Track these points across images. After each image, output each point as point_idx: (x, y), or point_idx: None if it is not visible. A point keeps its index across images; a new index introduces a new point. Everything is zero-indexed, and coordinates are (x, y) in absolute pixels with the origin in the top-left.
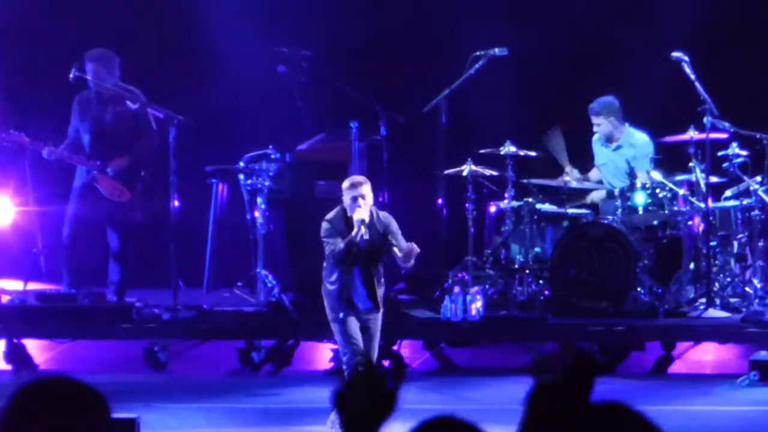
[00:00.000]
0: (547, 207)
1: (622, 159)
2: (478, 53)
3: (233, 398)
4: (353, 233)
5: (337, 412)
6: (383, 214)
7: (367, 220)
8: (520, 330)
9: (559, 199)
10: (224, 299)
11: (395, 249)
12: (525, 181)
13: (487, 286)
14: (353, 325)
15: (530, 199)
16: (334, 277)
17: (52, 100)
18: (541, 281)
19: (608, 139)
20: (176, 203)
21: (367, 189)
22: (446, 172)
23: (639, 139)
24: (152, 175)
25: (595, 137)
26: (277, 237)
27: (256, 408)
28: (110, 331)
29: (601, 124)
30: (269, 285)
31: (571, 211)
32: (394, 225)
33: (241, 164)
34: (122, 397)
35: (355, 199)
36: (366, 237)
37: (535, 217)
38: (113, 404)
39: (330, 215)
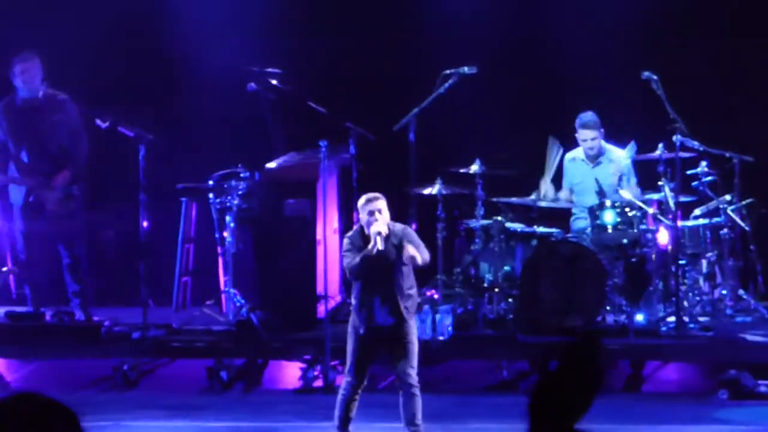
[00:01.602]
0: (516, 225)
1: (604, 175)
2: (447, 71)
3: (202, 417)
4: (369, 246)
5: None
6: (400, 226)
7: (384, 232)
8: (489, 348)
9: (529, 217)
10: (193, 318)
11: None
12: (494, 199)
13: (456, 305)
14: (365, 357)
15: (499, 218)
16: (355, 292)
17: None
18: (510, 300)
19: (593, 156)
20: (145, 222)
21: (382, 204)
22: (416, 190)
23: (618, 155)
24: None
25: (571, 156)
26: (246, 256)
27: (225, 427)
28: (79, 350)
29: (596, 138)
30: (238, 304)
31: (540, 229)
32: (411, 235)
33: (211, 183)
34: (92, 416)
35: (371, 213)
36: (381, 247)
37: (504, 235)
38: (82, 422)
39: (350, 233)
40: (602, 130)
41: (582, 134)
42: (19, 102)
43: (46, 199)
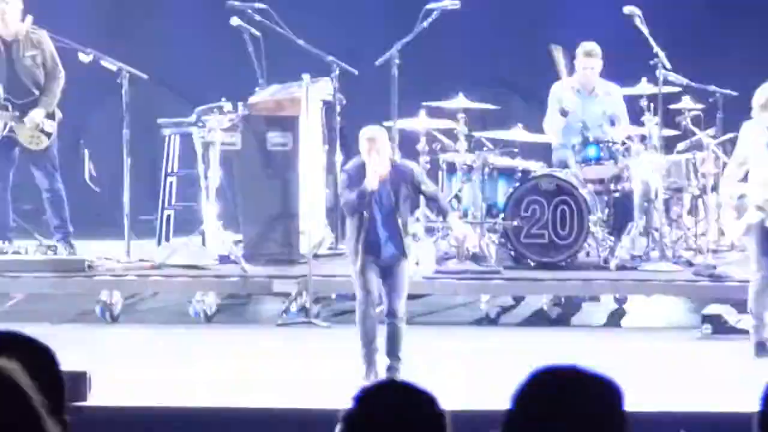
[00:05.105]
0: (499, 159)
1: (599, 108)
2: (430, 6)
3: (185, 351)
4: (364, 183)
5: None
6: (406, 162)
7: (378, 170)
8: (472, 283)
9: (512, 151)
10: (176, 252)
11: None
12: (477, 133)
13: (439, 239)
14: (370, 275)
15: (482, 152)
16: (352, 225)
17: None
18: (493, 234)
19: (590, 88)
20: (128, 155)
21: (381, 141)
22: (399, 124)
23: (614, 88)
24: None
25: (562, 84)
26: (229, 189)
27: (208, 361)
28: (62, 284)
29: (595, 68)
30: (221, 237)
31: (523, 163)
32: (417, 172)
33: (194, 117)
34: (74, 350)
35: (369, 150)
36: (375, 187)
37: (487, 169)
38: (65, 357)
39: (348, 165)
40: (602, 62)
41: (583, 62)
42: None
43: (18, 133)
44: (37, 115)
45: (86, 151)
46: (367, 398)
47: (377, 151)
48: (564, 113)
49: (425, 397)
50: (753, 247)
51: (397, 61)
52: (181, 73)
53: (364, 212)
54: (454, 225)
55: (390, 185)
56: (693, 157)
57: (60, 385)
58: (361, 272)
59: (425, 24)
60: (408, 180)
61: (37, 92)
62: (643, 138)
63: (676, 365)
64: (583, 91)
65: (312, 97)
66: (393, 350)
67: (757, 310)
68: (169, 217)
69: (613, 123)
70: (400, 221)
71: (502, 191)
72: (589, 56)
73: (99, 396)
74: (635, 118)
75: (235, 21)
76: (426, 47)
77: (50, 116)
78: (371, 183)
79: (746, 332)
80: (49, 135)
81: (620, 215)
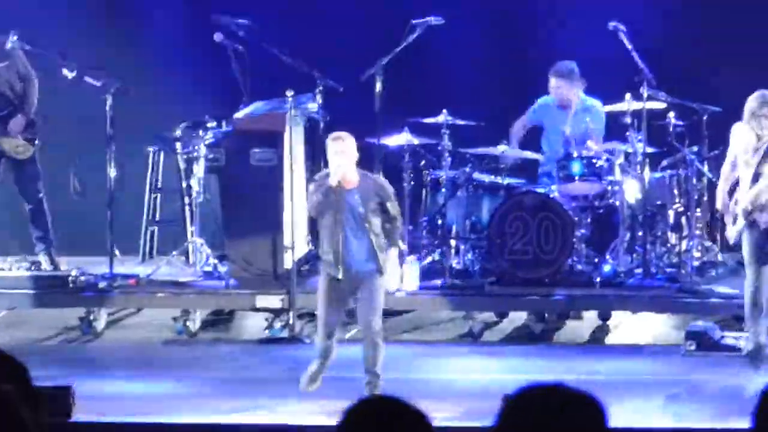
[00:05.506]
0: (483, 176)
1: (579, 125)
2: (414, 22)
3: (169, 367)
4: (327, 180)
5: None
6: (378, 177)
7: (344, 170)
8: (456, 299)
9: (496, 168)
10: (160, 268)
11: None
12: (462, 150)
13: (423, 255)
14: (334, 299)
15: (467, 168)
16: (325, 238)
17: None
18: (477, 250)
19: (565, 105)
20: (113, 171)
21: (347, 144)
22: (383, 140)
23: (594, 104)
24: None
25: (547, 100)
26: (213, 205)
27: (192, 376)
28: (46, 299)
29: (560, 87)
30: (205, 254)
31: (507, 180)
32: (387, 190)
33: (178, 132)
34: (58, 366)
35: (335, 153)
36: (341, 182)
37: (472, 186)
38: (49, 373)
39: (318, 174)
40: (577, 81)
41: (551, 82)
42: None
43: (7, 146)
44: (18, 123)
45: (72, 170)
46: (357, 413)
47: (342, 152)
48: (540, 127)
49: (414, 412)
50: (745, 252)
51: (381, 77)
52: (165, 88)
53: (335, 224)
54: (388, 263)
55: (359, 195)
56: (677, 173)
57: (34, 402)
58: (324, 296)
59: (410, 40)
60: (377, 193)
61: (16, 102)
62: (627, 154)
63: (660, 382)
64: (561, 108)
65: (296, 113)
66: (371, 366)
67: (752, 313)
68: (152, 232)
69: (586, 138)
70: (372, 235)
71: (487, 207)
72: (556, 76)
73: (83, 411)
74: (620, 134)
75: (218, 36)
76: (410, 63)
77: (30, 123)
78: (335, 179)
79: (730, 348)
80: (33, 141)
81: (604, 231)
